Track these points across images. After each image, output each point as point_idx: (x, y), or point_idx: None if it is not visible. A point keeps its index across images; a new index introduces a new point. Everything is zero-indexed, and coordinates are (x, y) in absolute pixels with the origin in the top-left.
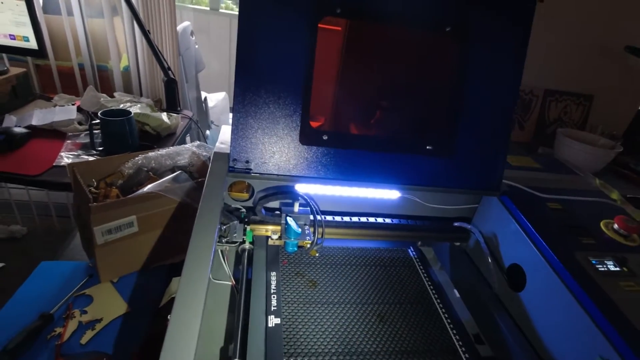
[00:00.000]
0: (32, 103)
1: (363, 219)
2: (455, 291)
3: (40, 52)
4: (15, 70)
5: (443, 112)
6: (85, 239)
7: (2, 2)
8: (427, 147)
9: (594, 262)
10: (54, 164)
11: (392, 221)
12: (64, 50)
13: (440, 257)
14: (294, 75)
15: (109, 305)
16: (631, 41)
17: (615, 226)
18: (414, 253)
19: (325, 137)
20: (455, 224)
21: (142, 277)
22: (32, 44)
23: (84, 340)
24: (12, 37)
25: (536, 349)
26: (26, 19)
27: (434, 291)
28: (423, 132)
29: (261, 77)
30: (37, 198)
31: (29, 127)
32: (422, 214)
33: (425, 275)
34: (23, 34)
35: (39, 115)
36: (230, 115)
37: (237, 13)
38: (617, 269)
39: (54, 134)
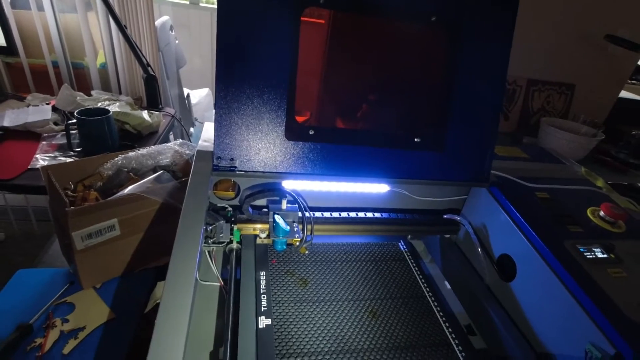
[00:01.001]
0: (4, 103)
1: (352, 214)
2: (447, 283)
3: (8, 49)
4: None
5: (431, 105)
6: (64, 245)
7: None
8: (416, 140)
9: (582, 250)
10: (28, 167)
11: (381, 215)
12: (35, 48)
13: (430, 250)
14: (277, 70)
15: (92, 312)
16: (611, 30)
17: (602, 213)
18: (404, 247)
19: (311, 132)
20: (445, 216)
21: (126, 281)
22: (0, 40)
23: (66, 350)
24: None
25: (528, 338)
26: None
27: (425, 284)
28: (411, 125)
29: (243, 72)
30: (14, 202)
31: (1, 128)
32: (411, 207)
33: (416, 268)
34: None
35: (11, 116)
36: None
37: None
38: (605, 256)
39: (28, 135)
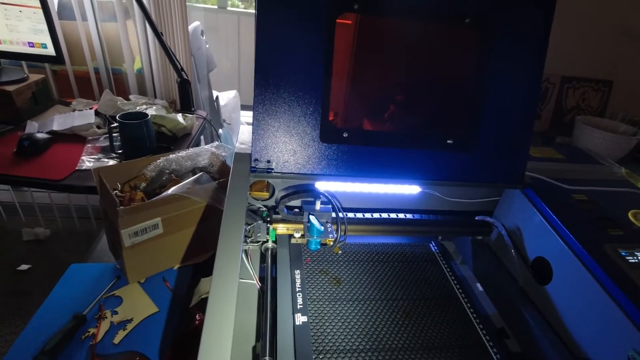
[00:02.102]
0: (52, 109)
1: (384, 215)
2: (479, 285)
3: (57, 58)
4: (34, 77)
5: (464, 106)
6: (112, 241)
7: (20, 11)
8: (448, 142)
9: (623, 253)
10: (76, 168)
11: (413, 216)
12: (79, 55)
13: (461, 252)
14: (312, 74)
15: (138, 305)
16: None
17: None
18: (435, 248)
19: (345, 135)
20: (477, 217)
21: (168, 277)
22: (50, 50)
23: (116, 340)
24: (31, 44)
25: (565, 342)
26: (43, 26)
27: (457, 286)
28: (444, 126)
29: (280, 76)
30: (58, 200)
31: (50, 132)
32: (442, 208)
33: (448, 269)
34: (41, 41)
35: (59, 121)
36: (242, 112)
37: (243, 10)
38: None
39: (74, 138)
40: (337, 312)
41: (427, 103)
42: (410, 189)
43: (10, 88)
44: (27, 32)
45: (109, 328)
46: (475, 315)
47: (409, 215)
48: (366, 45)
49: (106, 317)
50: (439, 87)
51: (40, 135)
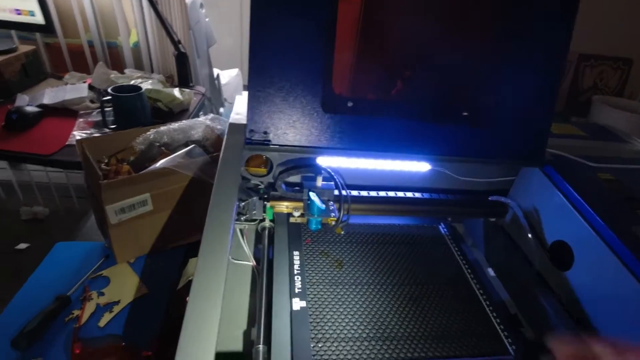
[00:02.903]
0: (44, 82)
1: (391, 194)
2: (491, 270)
3: (47, 27)
4: (24, 48)
5: (482, 76)
6: (99, 219)
7: None
8: (463, 114)
9: None
10: (66, 143)
11: (422, 195)
12: (72, 27)
13: (472, 234)
14: (313, 37)
15: (126, 286)
16: None
17: None
18: (445, 230)
19: (350, 104)
20: (491, 198)
21: (159, 257)
22: (39, 18)
23: (102, 323)
24: (18, 12)
25: (587, 331)
26: None
27: (468, 270)
28: (459, 97)
29: (278, 39)
30: (56, 180)
31: (41, 106)
32: (453, 188)
33: (458, 253)
34: (28, 8)
35: (51, 94)
36: (244, 92)
37: None
38: None
39: (66, 112)
40: (338, 297)
41: (442, 72)
42: (420, 166)
43: None
44: None
45: (95, 310)
46: (488, 302)
47: (417, 195)
48: (375, 7)
49: (92, 299)
50: (455, 55)
51: (29, 109)
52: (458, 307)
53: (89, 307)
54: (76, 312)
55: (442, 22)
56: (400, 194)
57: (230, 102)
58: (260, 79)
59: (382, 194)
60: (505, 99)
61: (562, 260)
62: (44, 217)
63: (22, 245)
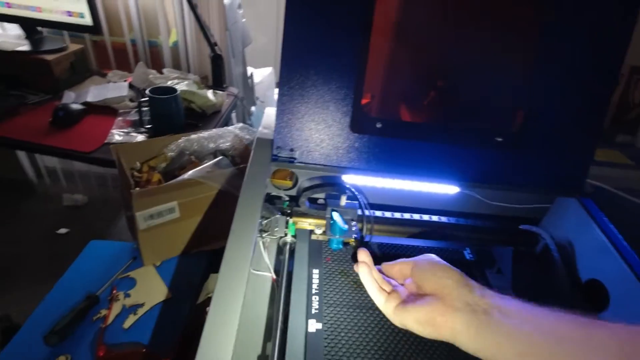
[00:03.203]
0: (89, 79)
1: (415, 216)
2: None
3: (94, 28)
4: (73, 47)
5: (519, 97)
6: (128, 218)
7: None
8: (497, 139)
9: None
10: (105, 141)
11: (447, 220)
12: (117, 26)
13: (499, 261)
14: (346, 56)
15: (151, 290)
16: None
17: None
18: (470, 255)
19: (379, 125)
20: (522, 226)
21: (184, 261)
22: (87, 20)
23: (126, 325)
24: (70, 13)
25: None
26: None
27: None
28: (492, 121)
29: (310, 56)
30: (96, 170)
31: (85, 103)
32: (481, 212)
33: (482, 281)
34: (79, 11)
35: (94, 92)
36: (276, 91)
37: None
38: None
39: (107, 110)
40: (355, 321)
41: (475, 93)
42: (447, 189)
43: (50, 57)
44: (65, 1)
45: (120, 311)
46: None
47: (443, 219)
48: (408, 25)
49: (118, 299)
50: (489, 76)
51: (74, 106)
52: None
53: (116, 308)
54: (103, 312)
55: (475, 39)
56: (426, 217)
57: (262, 101)
58: (290, 95)
59: (406, 215)
60: (545, 121)
61: (596, 300)
62: (83, 204)
63: (63, 230)
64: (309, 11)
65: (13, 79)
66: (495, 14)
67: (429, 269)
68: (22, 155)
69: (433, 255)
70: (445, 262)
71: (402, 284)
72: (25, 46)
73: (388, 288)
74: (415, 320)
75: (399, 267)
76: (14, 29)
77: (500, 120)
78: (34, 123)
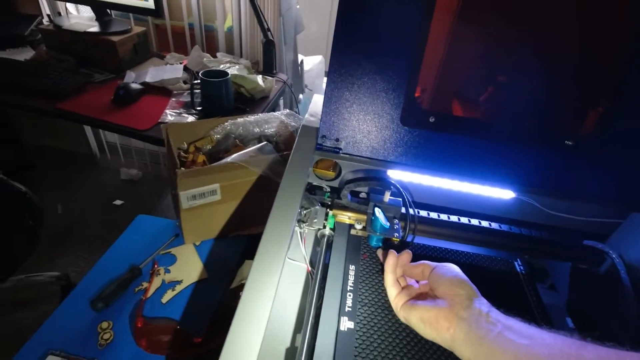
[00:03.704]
0: (149, 61)
1: (464, 220)
2: (569, 320)
3: (156, 12)
4: (136, 30)
5: (596, 97)
6: (173, 196)
7: None
8: (566, 143)
9: None
10: (159, 121)
11: (499, 227)
12: (177, 11)
13: (554, 275)
14: (401, 44)
15: (190, 268)
16: None
17: None
18: (521, 267)
19: (432, 119)
20: (586, 242)
21: (222, 244)
22: (150, 3)
23: (164, 300)
24: None
25: None
26: None
27: (541, 316)
28: (563, 121)
29: (363, 42)
30: (150, 147)
31: (143, 83)
32: (539, 221)
33: (533, 295)
34: None
35: (152, 73)
36: (325, 80)
37: None
38: None
39: (163, 91)
40: (389, 324)
41: (543, 89)
42: (502, 193)
43: (115, 39)
44: None
45: (160, 286)
46: None
47: (494, 225)
48: (470, 14)
49: (159, 274)
50: (563, 70)
51: (134, 86)
52: None
53: (156, 282)
54: (145, 284)
55: (548, 27)
56: (475, 221)
57: (311, 89)
58: (339, 82)
59: (453, 218)
60: (622, 129)
61: None
62: (137, 179)
63: (118, 202)
64: None
65: (83, 59)
66: (575, 5)
67: (447, 277)
68: (87, 130)
69: (454, 266)
70: (464, 276)
71: (418, 283)
72: (95, 27)
73: (403, 283)
74: (419, 318)
75: (421, 269)
76: (87, 11)
77: (573, 121)
78: (98, 100)
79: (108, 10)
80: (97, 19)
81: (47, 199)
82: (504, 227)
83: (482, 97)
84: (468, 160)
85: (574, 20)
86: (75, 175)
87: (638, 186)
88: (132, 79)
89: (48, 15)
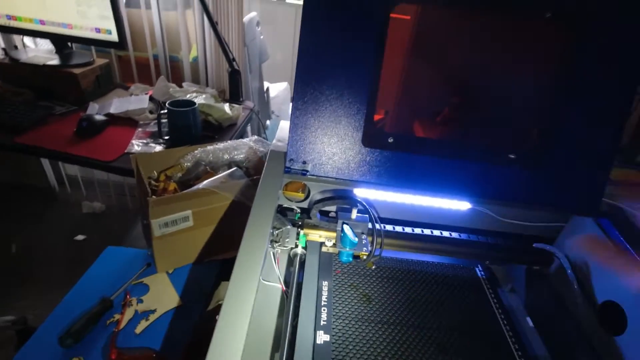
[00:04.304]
0: (113, 92)
1: (427, 231)
2: (529, 319)
3: (120, 44)
4: (99, 62)
5: (533, 115)
6: (144, 226)
7: None
8: (510, 156)
9: None
10: (125, 151)
11: (459, 236)
12: (141, 42)
13: (512, 279)
14: (359, 71)
15: (163, 296)
16: None
17: None
18: (482, 272)
19: (390, 140)
20: (536, 245)
21: (195, 270)
22: (114, 36)
23: (138, 330)
24: (98, 30)
25: None
26: (110, 13)
27: (503, 319)
28: (506, 138)
29: (324, 72)
30: (114, 178)
31: (108, 114)
32: (494, 229)
33: (494, 299)
34: (107, 27)
35: (117, 104)
36: (291, 105)
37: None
38: None
39: (128, 121)
40: (363, 334)
41: (488, 110)
42: (459, 205)
43: (77, 71)
44: (95, 18)
45: (133, 316)
46: (522, 358)
47: (454, 234)
48: (422, 44)
49: (131, 305)
50: (505, 92)
51: (97, 117)
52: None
53: (128, 313)
54: (117, 316)
55: (492, 57)
56: (437, 232)
57: (278, 115)
58: (303, 110)
59: (417, 230)
60: (558, 142)
61: (612, 323)
62: (101, 212)
63: (80, 237)
64: (323, 28)
65: (43, 91)
66: (517, 35)
67: None
68: (45, 163)
69: None
70: None
71: None
72: (55, 60)
73: None
74: None
75: None
76: (46, 44)
77: (515, 137)
78: (61, 132)
79: (69, 43)
80: (57, 52)
81: (2, 238)
82: (464, 236)
83: (435, 119)
84: (426, 176)
85: (512, 58)
86: (33, 211)
87: (575, 192)
88: (96, 111)
89: (4, 49)
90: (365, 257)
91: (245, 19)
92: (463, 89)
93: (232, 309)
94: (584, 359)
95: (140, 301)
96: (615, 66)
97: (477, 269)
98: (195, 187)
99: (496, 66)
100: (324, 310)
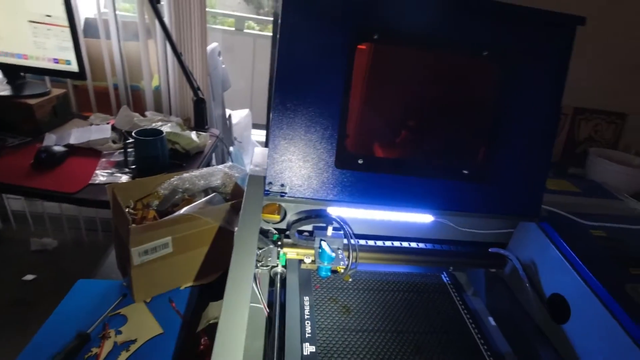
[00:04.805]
0: (71, 122)
1: (396, 244)
2: (491, 319)
3: (80, 75)
4: (55, 92)
5: (480, 136)
6: (121, 258)
7: (48, 29)
8: (464, 172)
9: None
10: (89, 182)
11: (425, 246)
12: (100, 71)
13: (473, 283)
14: (330, 100)
15: (142, 325)
16: None
17: None
18: (447, 278)
19: (360, 162)
20: (491, 249)
21: (174, 296)
22: (74, 67)
23: None
24: (56, 61)
25: None
26: (69, 43)
27: (470, 319)
28: (459, 156)
29: (299, 103)
30: (68, 212)
31: (67, 145)
32: (455, 238)
33: (460, 302)
34: (66, 58)
35: (77, 134)
36: (252, 131)
37: (259, 33)
38: None
39: (90, 152)
40: (346, 343)
41: (444, 133)
42: (423, 218)
43: (32, 101)
44: (53, 49)
45: (112, 348)
46: (489, 353)
47: (421, 245)
48: (381, 72)
49: (110, 337)
50: (455, 117)
51: (57, 148)
52: (459, 356)
53: (107, 346)
54: (95, 350)
55: (441, 88)
56: (405, 243)
57: (240, 141)
58: (281, 137)
59: (388, 243)
60: (502, 159)
61: (559, 313)
62: (52, 248)
63: (29, 277)
64: (298, 65)
65: None
66: (458, 72)
67: None
68: None
69: None
70: None
71: None
72: (6, 91)
73: None
74: None
75: None
76: None
77: (466, 155)
78: (15, 165)
79: (21, 73)
80: (8, 82)
81: None
82: (429, 246)
83: (398, 141)
84: (393, 193)
85: (458, 87)
86: None
87: (518, 201)
88: (54, 142)
89: None
90: (342, 270)
91: (208, 48)
92: (418, 114)
93: (227, 333)
94: (538, 348)
95: (118, 332)
96: (541, 94)
97: (442, 276)
98: (176, 213)
99: (445, 95)
100: (308, 323)
